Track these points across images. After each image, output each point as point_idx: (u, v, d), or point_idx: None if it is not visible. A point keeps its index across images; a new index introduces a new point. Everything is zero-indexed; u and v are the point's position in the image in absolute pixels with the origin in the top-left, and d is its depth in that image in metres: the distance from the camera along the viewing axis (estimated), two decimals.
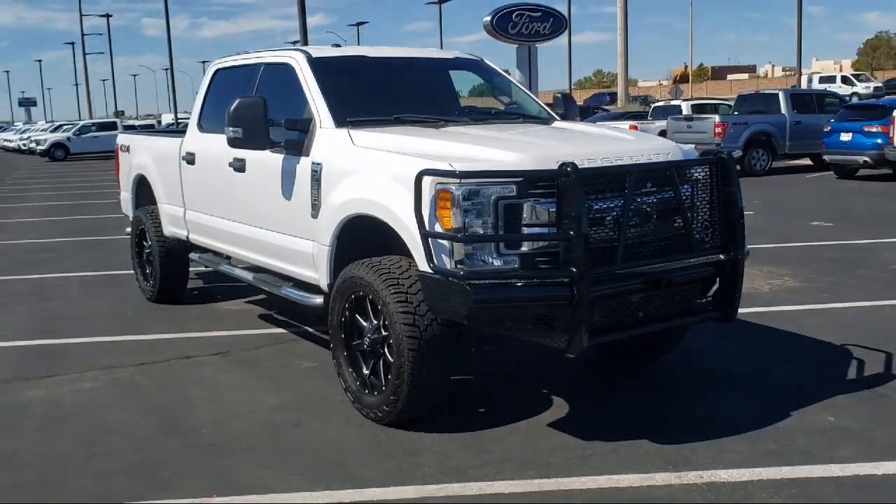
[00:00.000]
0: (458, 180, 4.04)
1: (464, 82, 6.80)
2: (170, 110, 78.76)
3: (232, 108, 5.15)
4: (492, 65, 6.37)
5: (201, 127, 6.77)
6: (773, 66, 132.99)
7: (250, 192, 5.82)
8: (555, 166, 4.18)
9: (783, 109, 20.17)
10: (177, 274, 7.75)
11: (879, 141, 16.63)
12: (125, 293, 8.33)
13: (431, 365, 4.34)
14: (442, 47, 59.14)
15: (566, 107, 6.25)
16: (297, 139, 5.24)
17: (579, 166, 4.03)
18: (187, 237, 7.07)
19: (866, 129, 16.93)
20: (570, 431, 4.47)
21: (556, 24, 38.50)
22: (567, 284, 3.96)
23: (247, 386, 5.41)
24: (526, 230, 4.09)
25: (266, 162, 5.53)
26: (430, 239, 4.10)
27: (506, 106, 6.21)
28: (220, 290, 8.30)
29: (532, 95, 6.33)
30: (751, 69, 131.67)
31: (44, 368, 5.89)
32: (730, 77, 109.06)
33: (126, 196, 8.37)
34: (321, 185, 4.98)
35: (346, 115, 5.19)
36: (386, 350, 4.55)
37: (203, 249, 6.96)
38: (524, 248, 4.11)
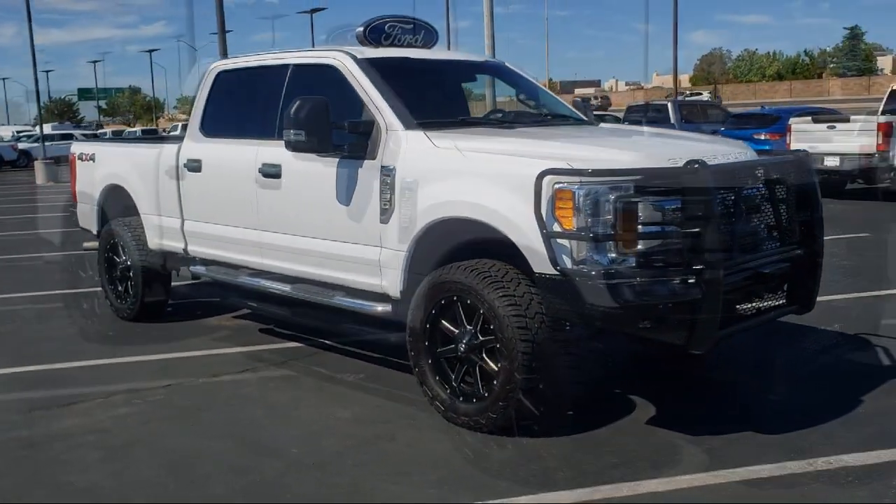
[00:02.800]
0: (578, 179, 4.02)
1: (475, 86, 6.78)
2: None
3: (294, 109, 4.89)
4: (515, 68, 6.36)
5: (205, 132, 6.38)
6: (617, 80, 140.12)
7: (289, 199, 5.54)
8: (666, 164, 4.24)
9: (672, 119, 21.26)
10: (160, 290, 7.26)
11: (769, 148, 17.79)
12: (91, 313, 7.72)
13: (544, 369, 4.28)
14: None
15: (585, 111, 6.33)
16: (356, 142, 5.04)
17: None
18: (184, 249, 6.63)
19: (756, 136, 18.07)
20: (674, 428, 4.51)
21: (428, 36, 39.36)
22: (699, 281, 4.00)
23: (306, 401, 5.13)
24: (642, 229, 4.11)
25: (313, 167, 5.28)
26: (552, 240, 4.05)
27: (535, 108, 6.21)
28: (196, 307, 7.83)
29: (560, 99, 6.38)
30: (596, 84, 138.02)
31: (57, 396, 5.36)
32: (577, 91, 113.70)
33: (88, 209, 7.76)
34: (395, 188, 4.81)
35: (412, 118, 5.04)
36: (485, 356, 4.45)
37: (206, 262, 6.54)
38: (640, 247, 4.13)
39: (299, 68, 5.74)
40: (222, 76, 6.43)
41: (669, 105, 21.53)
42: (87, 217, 7.81)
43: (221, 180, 6.12)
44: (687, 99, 31.18)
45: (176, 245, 6.71)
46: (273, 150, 5.64)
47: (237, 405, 5.10)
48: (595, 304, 3.99)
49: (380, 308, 5.09)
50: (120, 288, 7.44)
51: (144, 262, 7.05)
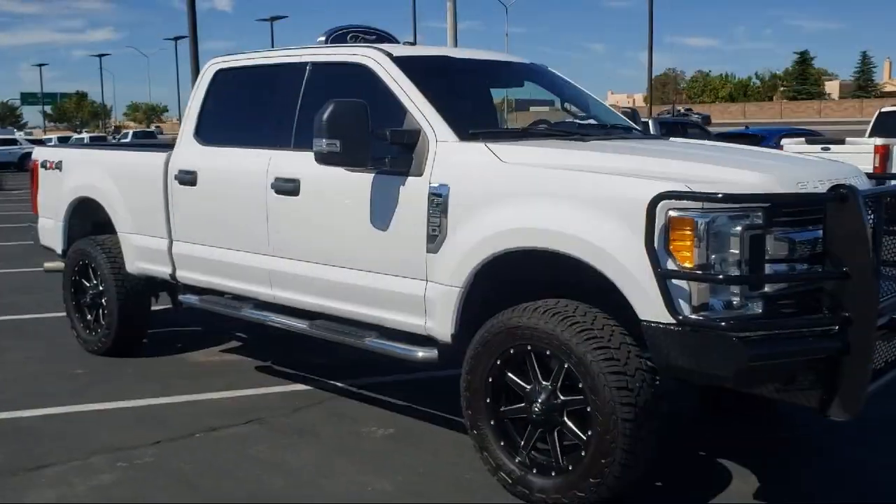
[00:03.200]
0: (700, 205, 3.26)
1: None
2: None
3: (327, 114, 4.03)
4: (558, 73, 5.59)
5: (202, 139, 5.47)
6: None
7: (309, 220, 4.67)
8: (796, 188, 3.51)
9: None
10: (139, 321, 6.30)
11: None
12: (52, 346, 6.69)
13: (647, 434, 3.48)
14: None
15: (635, 122, 5.59)
16: (397, 156, 4.20)
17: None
18: (172, 275, 5.70)
19: None
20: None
21: None
22: (844, 331, 3.26)
23: (333, 466, 4.24)
24: (769, 267, 3.35)
25: (341, 183, 4.43)
26: (667, 281, 3.27)
27: (582, 118, 5.43)
28: (177, 338, 6.88)
29: (612, 108, 5.61)
30: (549, 102, 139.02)
31: (21, 456, 4.39)
32: (532, 109, 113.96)
33: (52, 224, 6.76)
34: (448, 211, 3.98)
35: (466, 126, 4.23)
36: (567, 420, 3.64)
37: (198, 290, 5.62)
38: (766, 289, 3.38)
39: (320, 67, 4.88)
40: (221, 76, 5.53)
41: (650, 122, 21.03)
42: (51, 234, 6.81)
43: (222, 196, 5.21)
44: (667, 117, 30.92)
45: (161, 269, 5.77)
46: (289, 162, 4.79)
47: (249, 471, 4.19)
48: (723, 361, 3.21)
49: (421, 354, 4.24)
50: (89, 317, 6.45)
51: (121, 288, 6.09)
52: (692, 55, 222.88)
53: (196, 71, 14.61)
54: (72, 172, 6.51)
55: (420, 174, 4.13)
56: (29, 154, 39.87)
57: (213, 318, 5.78)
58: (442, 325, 4.07)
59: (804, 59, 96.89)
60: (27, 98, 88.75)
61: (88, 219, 6.61)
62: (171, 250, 5.65)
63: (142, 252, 5.88)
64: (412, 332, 4.26)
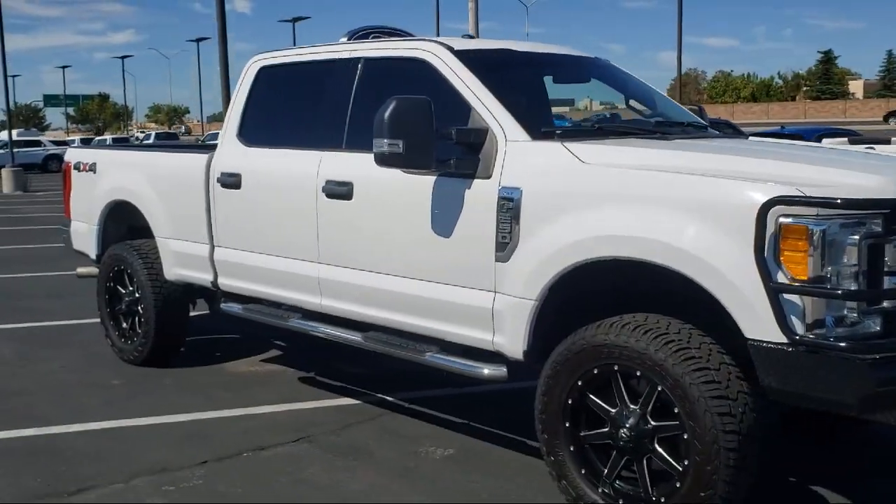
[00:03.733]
0: (815, 212, 2.93)
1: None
2: None
3: (389, 112, 3.72)
4: (620, 67, 5.25)
5: (245, 139, 5.19)
6: (592, 100, 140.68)
7: (363, 226, 4.37)
8: None
9: None
10: (176, 329, 6.04)
11: None
12: (87, 354, 6.45)
13: (750, 464, 3.16)
14: None
15: (703, 119, 5.25)
16: (462, 157, 3.89)
17: None
18: (213, 282, 5.43)
19: None
20: None
21: None
22: None
23: (395, 492, 3.94)
24: (888, 280, 3.02)
25: (399, 186, 4.14)
26: (780, 295, 2.94)
27: (648, 115, 5.08)
28: (215, 346, 6.63)
29: (681, 106, 5.27)
30: (570, 102, 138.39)
31: (62, 477, 4.12)
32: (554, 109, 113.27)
33: (85, 228, 6.50)
34: (521, 217, 3.66)
35: (538, 125, 3.92)
36: (659, 447, 3.31)
37: (241, 298, 5.33)
38: (885, 304, 3.04)
39: (374, 63, 4.59)
40: (266, 73, 5.25)
41: None
42: (84, 238, 6.56)
43: (268, 200, 4.93)
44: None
45: (202, 276, 5.50)
46: (341, 164, 4.50)
47: (304, 496, 3.90)
48: (846, 385, 2.88)
49: (488, 371, 3.93)
50: (125, 325, 6.20)
51: (158, 295, 5.83)
52: (711, 55, 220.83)
53: (226, 73, 14.37)
54: (107, 174, 6.25)
55: (488, 176, 3.82)
56: (53, 156, 40.24)
57: (250, 324, 5.50)
58: (512, 341, 3.76)
59: (828, 59, 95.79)
60: (50, 100, 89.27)
61: (124, 222, 6.37)
62: (212, 256, 5.38)
63: (181, 258, 5.61)
64: (479, 348, 3.96)
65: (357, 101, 4.57)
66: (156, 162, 5.89)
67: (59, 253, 11.97)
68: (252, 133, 5.20)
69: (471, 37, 4.77)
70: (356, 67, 4.63)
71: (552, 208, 3.59)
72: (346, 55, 4.74)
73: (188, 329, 6.15)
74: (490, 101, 3.95)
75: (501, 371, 3.88)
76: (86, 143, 57.12)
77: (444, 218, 3.97)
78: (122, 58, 78.40)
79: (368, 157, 4.26)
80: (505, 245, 3.73)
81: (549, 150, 3.71)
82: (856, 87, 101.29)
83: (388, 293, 4.28)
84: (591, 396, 3.49)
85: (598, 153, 3.62)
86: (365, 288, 4.40)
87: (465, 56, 4.20)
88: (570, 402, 3.53)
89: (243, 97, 5.29)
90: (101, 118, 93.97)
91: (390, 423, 4.84)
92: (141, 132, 66.36)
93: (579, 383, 3.48)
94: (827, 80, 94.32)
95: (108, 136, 59.53)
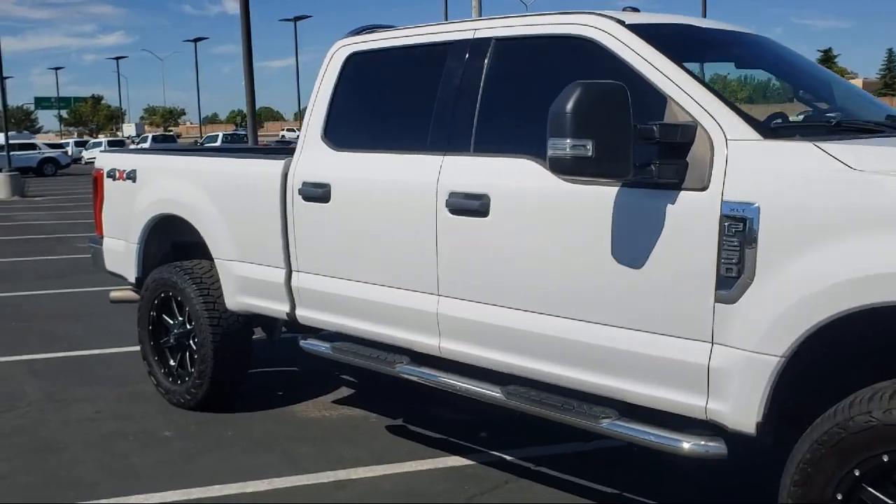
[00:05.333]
0: None
1: None
2: None
3: (572, 102, 2.79)
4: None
5: (333, 142, 4.25)
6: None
7: (507, 251, 3.43)
8: None
9: None
10: (237, 368, 5.08)
11: None
12: (124, 394, 5.49)
13: None
14: (297, 65, 55.36)
15: None
16: (664, 161, 2.96)
17: None
18: (289, 314, 4.48)
19: None
20: None
21: None
22: None
23: None
24: None
25: (562, 200, 3.21)
26: None
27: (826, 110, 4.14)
28: (271, 382, 5.68)
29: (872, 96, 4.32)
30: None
31: None
32: None
33: (122, 247, 5.53)
34: (758, 242, 2.73)
35: (765, 119, 3.01)
36: None
37: (325, 334, 4.39)
38: None
39: (512, 44, 3.64)
40: (357, 60, 4.30)
41: None
42: (121, 258, 5.58)
43: (368, 216, 3.98)
44: None
45: (275, 307, 4.55)
46: (471, 172, 3.57)
47: None
48: None
49: (689, 446, 2.98)
50: (172, 362, 5.24)
51: (216, 327, 4.87)
52: None
53: (251, 79, 13.37)
54: (150, 184, 5.29)
55: (702, 187, 2.88)
56: (49, 159, 39.11)
57: (303, 351, 4.56)
58: (740, 409, 2.82)
59: (828, 58, 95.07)
60: (41, 102, 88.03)
61: (168, 239, 5.42)
62: (289, 283, 4.43)
63: (248, 284, 4.66)
64: (683, 415, 3.02)
65: (488, 91, 3.64)
66: (215, 169, 4.91)
67: (69, 266, 11.03)
68: (342, 134, 4.25)
69: (634, 9, 3.83)
70: (485, 50, 3.69)
71: (810, 231, 2.65)
72: (468, 35, 3.80)
73: (248, 368, 5.19)
74: (695, 89, 3.02)
75: (718, 448, 2.94)
76: (80, 146, 56.01)
77: (634, 242, 3.03)
78: (117, 59, 77.00)
79: (511, 163, 3.38)
80: (731, 281, 2.80)
81: (797, 152, 2.77)
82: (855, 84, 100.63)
83: (542, 338, 3.34)
84: (872, 491, 2.55)
85: (872, 157, 2.68)
86: (506, 330, 3.46)
87: (645, 32, 3.26)
88: (838, 496, 2.59)
89: (328, 90, 4.33)
90: (94, 120, 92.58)
91: (523, 493, 3.90)
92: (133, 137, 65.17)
93: (856, 473, 2.55)
94: None
95: (102, 139, 58.28)
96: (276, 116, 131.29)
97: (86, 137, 65.77)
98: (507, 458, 4.31)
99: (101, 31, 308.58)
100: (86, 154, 54.33)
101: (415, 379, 3.89)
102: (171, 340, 5.18)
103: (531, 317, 3.37)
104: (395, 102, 4.17)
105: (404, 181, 3.82)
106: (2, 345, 6.81)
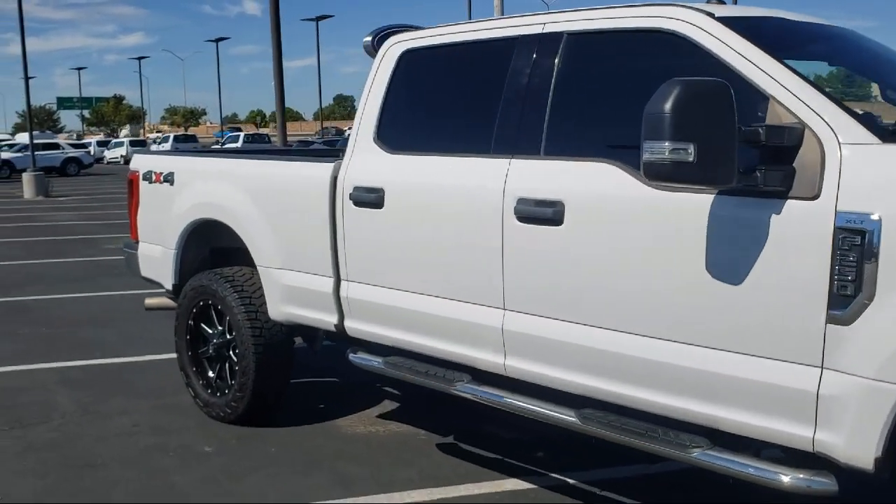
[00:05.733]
0: None
1: None
2: None
3: (671, 101, 2.53)
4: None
5: (387, 144, 4.00)
6: None
7: (584, 262, 3.17)
8: None
9: None
10: (280, 380, 4.85)
11: None
12: (161, 405, 5.28)
13: None
14: (319, 64, 55.45)
15: None
16: (769, 167, 2.69)
17: None
18: (337, 325, 4.24)
19: None
20: None
21: None
22: None
23: None
24: None
25: (650, 208, 2.95)
26: None
27: None
28: (311, 393, 5.45)
29: None
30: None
31: None
32: None
33: (159, 252, 5.32)
34: (879, 258, 2.46)
35: (875, 120, 2.74)
36: None
37: (374, 348, 4.15)
38: None
39: (586, 40, 3.38)
40: (412, 57, 4.06)
41: None
42: (157, 264, 5.37)
43: (425, 223, 3.73)
44: None
45: (321, 317, 4.32)
46: (543, 176, 3.32)
47: None
48: None
49: (791, 480, 2.71)
50: (211, 373, 5.02)
51: (259, 338, 4.64)
52: None
53: (280, 83, 13.18)
54: (189, 187, 5.07)
55: (812, 196, 2.61)
56: (72, 159, 39.22)
57: (344, 360, 4.33)
58: (856, 443, 2.55)
59: None
60: (63, 102, 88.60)
61: (205, 244, 5.21)
62: (338, 293, 4.19)
63: (293, 293, 4.43)
64: (785, 446, 2.75)
65: (560, 90, 3.38)
66: (260, 172, 4.68)
67: (97, 268, 10.87)
68: (396, 136, 4.01)
69: (721, 1, 3.54)
70: (556, 46, 3.43)
71: None
72: (536, 30, 3.54)
73: (289, 380, 4.96)
74: (802, 88, 2.75)
75: (826, 483, 2.67)
76: (102, 145, 56.21)
77: (732, 256, 2.77)
78: (139, 59, 77.31)
79: (588, 167, 3.14)
80: (846, 300, 2.53)
81: None
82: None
83: (623, 359, 3.07)
84: None
85: None
86: (582, 349, 3.20)
87: (738, 26, 2.99)
88: None
89: (381, 89, 4.09)
90: (115, 120, 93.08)
91: None
92: (157, 133, 65.40)
93: None
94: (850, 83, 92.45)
95: (124, 138, 58.46)
96: (295, 116, 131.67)
97: (109, 137, 65.85)
98: (570, 481, 4.05)
99: (122, 31, 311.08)
100: (107, 154, 54.59)
101: (476, 399, 3.64)
102: (211, 351, 4.96)
103: (611, 335, 3.11)
104: (453, 102, 3.93)
105: (466, 186, 3.57)
106: (33, 351, 6.63)
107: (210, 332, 4.98)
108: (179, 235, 5.10)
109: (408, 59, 4.06)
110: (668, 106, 2.54)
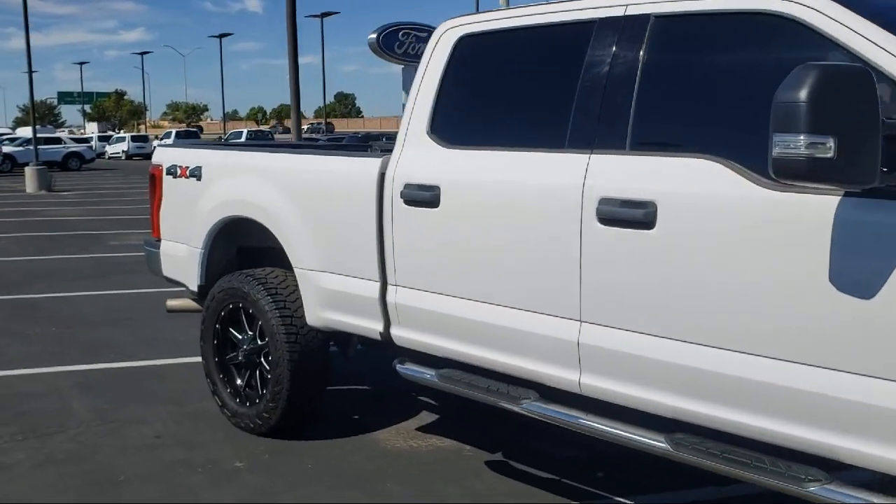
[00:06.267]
0: None
1: None
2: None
3: (807, 89, 2.22)
4: None
5: (442, 137, 3.67)
6: None
7: (681, 271, 2.84)
8: None
9: None
10: (316, 389, 4.53)
11: None
12: (183, 413, 4.95)
13: None
14: (324, 62, 55.13)
15: None
16: None
17: None
18: (383, 333, 3.91)
19: None
20: None
21: None
22: None
23: None
24: None
25: (766, 211, 2.62)
26: None
27: None
28: (343, 402, 5.12)
29: None
30: None
31: None
32: None
33: (184, 251, 4.98)
34: None
35: None
36: None
37: (432, 361, 3.82)
38: None
39: (679, 23, 3.05)
40: (470, 43, 3.72)
41: None
42: (182, 264, 5.04)
43: (489, 224, 3.40)
44: None
45: (365, 324, 3.99)
46: (630, 174, 2.99)
47: None
48: None
49: None
50: (239, 381, 4.69)
51: (294, 344, 4.32)
52: None
53: (296, 80, 12.85)
54: (217, 182, 4.74)
55: None
56: (73, 153, 38.86)
57: (373, 366, 4.01)
58: None
59: None
60: (64, 97, 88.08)
61: (232, 243, 4.88)
62: (384, 298, 3.86)
63: (333, 298, 4.10)
64: None
65: (649, 78, 3.05)
66: (298, 167, 4.34)
67: (105, 265, 10.53)
68: (453, 129, 3.69)
69: None
70: (642, 29, 3.10)
71: None
72: (617, 12, 3.21)
73: (326, 388, 4.64)
74: None
75: None
76: (103, 140, 55.77)
77: (864, 266, 2.44)
78: (142, 54, 76.93)
79: (685, 164, 2.83)
80: None
81: None
82: None
83: (726, 380, 2.75)
84: None
85: None
86: (676, 368, 2.87)
87: (864, 10, 2.66)
88: None
89: (435, 79, 3.76)
90: (117, 115, 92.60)
91: None
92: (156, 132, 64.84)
93: None
94: None
95: (125, 133, 57.93)
96: None
97: (109, 133, 65.32)
98: (625, 501, 3.73)
99: (123, 27, 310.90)
100: (109, 149, 54.17)
101: (545, 419, 3.31)
102: (240, 357, 4.63)
103: (712, 353, 2.78)
104: (518, 92, 3.59)
105: (536, 184, 3.25)
106: (44, 353, 6.30)
107: (239, 337, 4.66)
108: (207, 234, 4.77)
109: (466, 46, 3.73)
110: (803, 94, 2.22)
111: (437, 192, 3.56)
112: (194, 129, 58.78)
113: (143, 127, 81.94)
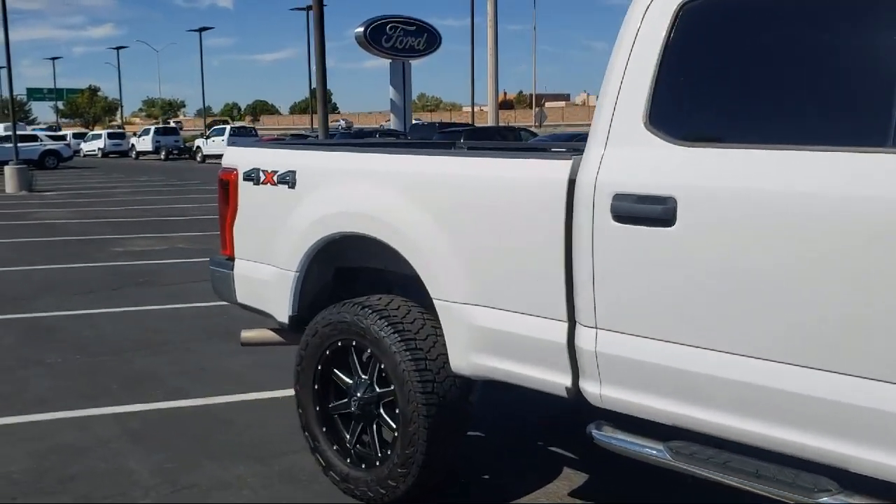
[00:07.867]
0: None
1: None
2: None
3: None
4: None
5: (670, 132, 2.76)
6: (588, 94, 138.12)
7: None
8: None
9: None
10: (453, 450, 3.62)
11: None
12: (270, 472, 4.03)
13: None
14: (309, 55, 53.44)
15: None
16: None
17: None
18: (570, 388, 3.01)
19: None
20: None
21: (431, 39, 35.88)
22: None
23: None
24: None
25: None
26: None
27: None
28: (463, 455, 4.22)
29: None
30: (566, 97, 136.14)
31: None
32: (548, 104, 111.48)
33: (271, 275, 4.04)
34: None
35: None
36: None
37: (634, 425, 2.92)
38: None
39: None
40: (695, 17, 2.82)
41: None
42: (265, 289, 4.10)
43: (764, 250, 2.51)
44: None
45: (543, 376, 3.08)
46: None
47: None
48: None
49: None
50: (347, 435, 3.77)
51: (431, 395, 3.41)
52: None
53: (323, 74, 11.90)
54: (321, 190, 3.81)
55: None
56: (50, 151, 37.40)
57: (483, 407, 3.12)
58: None
59: None
60: (33, 94, 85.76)
61: (330, 264, 3.97)
62: (572, 343, 2.96)
63: (494, 339, 3.19)
64: None
65: None
66: (444, 172, 3.41)
67: (114, 277, 9.47)
68: (687, 119, 2.80)
69: None
70: None
71: None
72: None
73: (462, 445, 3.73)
74: None
75: None
76: (79, 137, 54.13)
77: None
78: (117, 49, 74.91)
79: None
80: None
81: None
82: None
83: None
84: None
85: None
86: None
87: None
88: None
89: (652, 56, 2.85)
90: (90, 112, 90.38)
91: None
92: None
93: None
94: None
95: (101, 131, 56.24)
96: (270, 110, 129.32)
97: (83, 129, 63.51)
98: None
99: (91, 23, 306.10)
100: (84, 147, 52.63)
101: None
102: (354, 408, 3.71)
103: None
104: (803, 68, 2.67)
105: (842, 196, 2.37)
106: (74, 390, 5.33)
107: (349, 382, 3.74)
108: (305, 254, 3.84)
109: (693, 17, 2.83)
110: None
111: (673, 206, 2.67)
112: (173, 126, 57.22)
113: (115, 124, 79.97)
